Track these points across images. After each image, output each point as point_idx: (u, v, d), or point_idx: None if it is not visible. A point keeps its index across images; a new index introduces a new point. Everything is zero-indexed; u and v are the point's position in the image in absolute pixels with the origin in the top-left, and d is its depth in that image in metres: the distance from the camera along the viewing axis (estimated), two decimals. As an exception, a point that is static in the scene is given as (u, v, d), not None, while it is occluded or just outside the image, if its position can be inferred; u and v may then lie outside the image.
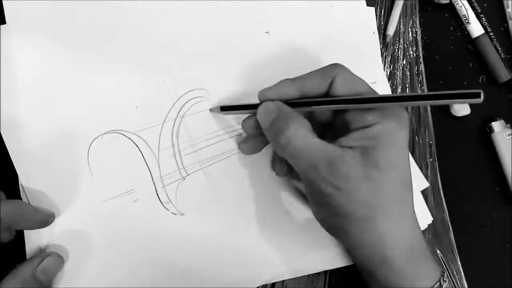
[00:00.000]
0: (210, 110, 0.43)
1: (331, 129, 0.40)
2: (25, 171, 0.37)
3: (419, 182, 0.49)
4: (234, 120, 0.43)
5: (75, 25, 0.40)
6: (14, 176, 0.37)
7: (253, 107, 0.39)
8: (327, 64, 0.38)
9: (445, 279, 0.37)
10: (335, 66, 0.38)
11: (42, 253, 0.37)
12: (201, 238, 0.41)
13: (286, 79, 0.38)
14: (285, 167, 0.42)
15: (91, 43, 0.40)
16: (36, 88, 0.38)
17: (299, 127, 0.36)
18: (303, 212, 0.44)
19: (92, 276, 0.38)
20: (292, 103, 0.37)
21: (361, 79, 0.37)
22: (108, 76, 0.40)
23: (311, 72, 0.38)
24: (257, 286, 0.42)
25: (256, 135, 0.40)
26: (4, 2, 0.38)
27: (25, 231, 0.37)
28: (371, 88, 0.37)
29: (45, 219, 0.36)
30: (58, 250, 0.37)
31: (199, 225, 0.41)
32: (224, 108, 0.41)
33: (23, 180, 0.37)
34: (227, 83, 0.44)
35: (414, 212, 0.37)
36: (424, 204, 0.48)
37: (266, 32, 0.45)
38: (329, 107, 0.36)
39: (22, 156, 0.37)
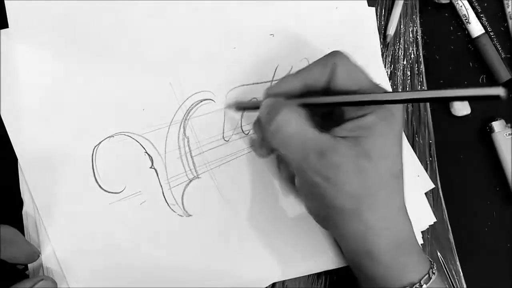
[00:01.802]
0: (225, 107, 0.43)
1: (331, 118, 0.38)
2: (32, 173, 0.37)
3: (424, 183, 0.48)
4: (244, 121, 0.44)
5: (81, 27, 0.40)
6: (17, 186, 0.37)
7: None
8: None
9: (434, 272, 0.36)
10: (334, 55, 0.37)
11: (36, 277, 0.35)
12: (208, 239, 0.41)
13: (290, 74, 0.37)
14: (288, 171, 0.42)
15: (97, 45, 0.40)
16: (42, 91, 0.38)
17: (290, 114, 0.35)
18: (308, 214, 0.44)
19: (97, 276, 0.38)
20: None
21: (361, 69, 0.37)
22: (114, 78, 0.40)
23: (313, 63, 0.37)
24: (264, 286, 0.42)
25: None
26: (6, 4, 0.38)
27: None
28: (371, 80, 0.36)
29: (32, 253, 0.35)
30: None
31: (206, 227, 0.41)
32: (239, 107, 0.42)
33: (30, 183, 0.37)
34: (233, 85, 0.44)
35: (404, 205, 0.36)
36: (427, 204, 0.48)
37: (271, 35, 0.45)
38: (326, 104, 0.35)
39: (29, 157, 0.37)
